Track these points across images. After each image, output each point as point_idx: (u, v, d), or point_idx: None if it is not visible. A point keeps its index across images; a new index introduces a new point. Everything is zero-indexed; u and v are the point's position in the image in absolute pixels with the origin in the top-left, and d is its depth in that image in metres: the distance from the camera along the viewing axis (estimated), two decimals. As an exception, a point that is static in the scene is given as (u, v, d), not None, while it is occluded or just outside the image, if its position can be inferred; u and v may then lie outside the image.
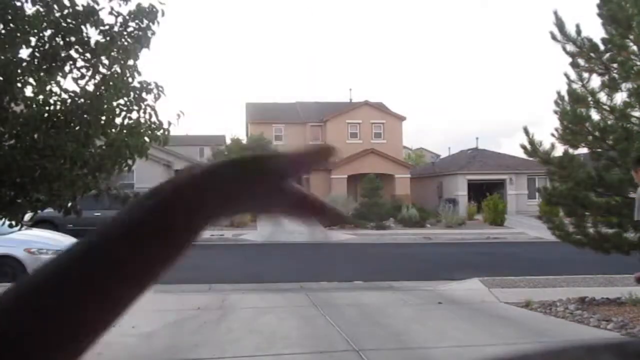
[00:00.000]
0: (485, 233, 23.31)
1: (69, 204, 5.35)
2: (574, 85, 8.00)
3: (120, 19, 5.13)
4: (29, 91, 4.86)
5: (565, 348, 0.35)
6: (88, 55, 4.99)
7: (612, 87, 7.63)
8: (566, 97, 8.01)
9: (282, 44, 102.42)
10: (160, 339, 6.45)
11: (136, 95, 5.23)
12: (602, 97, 7.75)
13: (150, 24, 5.22)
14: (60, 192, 5.18)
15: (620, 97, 7.66)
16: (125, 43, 5.10)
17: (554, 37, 8.20)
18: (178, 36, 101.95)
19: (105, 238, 0.44)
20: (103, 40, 5.00)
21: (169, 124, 5.41)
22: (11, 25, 4.74)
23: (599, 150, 8.02)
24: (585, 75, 7.96)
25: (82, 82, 5.02)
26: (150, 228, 0.43)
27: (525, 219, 27.24)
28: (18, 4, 4.80)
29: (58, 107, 4.93)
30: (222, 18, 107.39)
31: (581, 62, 8.08)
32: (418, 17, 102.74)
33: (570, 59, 8.13)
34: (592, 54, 7.98)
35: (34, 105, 4.84)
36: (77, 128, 4.98)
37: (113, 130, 5.23)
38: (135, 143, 5.18)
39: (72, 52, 4.97)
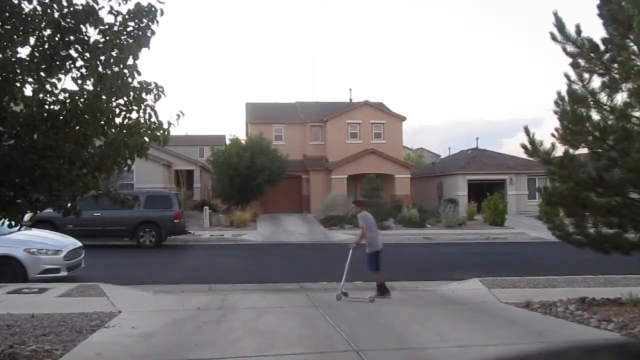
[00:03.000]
0: (485, 233, 23.29)
1: (69, 204, 5.35)
2: (575, 86, 7.98)
3: (119, 19, 5.12)
4: (28, 91, 4.86)
5: (565, 348, 0.35)
6: (87, 54, 4.98)
7: (612, 87, 7.62)
8: (566, 98, 7.99)
9: (283, 44, 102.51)
10: (161, 339, 6.44)
11: (136, 95, 5.22)
12: (603, 97, 7.74)
13: (150, 23, 5.21)
14: (60, 192, 5.17)
15: (620, 98, 7.66)
16: (125, 42, 5.09)
17: (554, 38, 8.20)
18: (178, 36, 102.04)
19: None
20: (102, 39, 5.00)
21: (169, 124, 5.40)
22: (10, 24, 4.74)
23: (599, 150, 8.01)
24: (586, 75, 7.95)
25: (81, 82, 5.01)
26: None
27: (526, 219, 27.26)
28: (15, 1, 4.79)
29: (57, 107, 4.92)
30: (222, 18, 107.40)
31: (581, 62, 8.07)
32: (418, 16, 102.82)
33: (570, 60, 8.14)
34: (592, 55, 7.97)
35: (34, 105, 4.84)
36: (76, 128, 4.97)
37: (112, 130, 5.22)
38: (134, 143, 5.18)
39: (72, 52, 4.96)
